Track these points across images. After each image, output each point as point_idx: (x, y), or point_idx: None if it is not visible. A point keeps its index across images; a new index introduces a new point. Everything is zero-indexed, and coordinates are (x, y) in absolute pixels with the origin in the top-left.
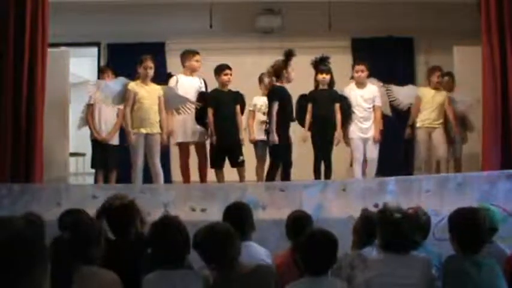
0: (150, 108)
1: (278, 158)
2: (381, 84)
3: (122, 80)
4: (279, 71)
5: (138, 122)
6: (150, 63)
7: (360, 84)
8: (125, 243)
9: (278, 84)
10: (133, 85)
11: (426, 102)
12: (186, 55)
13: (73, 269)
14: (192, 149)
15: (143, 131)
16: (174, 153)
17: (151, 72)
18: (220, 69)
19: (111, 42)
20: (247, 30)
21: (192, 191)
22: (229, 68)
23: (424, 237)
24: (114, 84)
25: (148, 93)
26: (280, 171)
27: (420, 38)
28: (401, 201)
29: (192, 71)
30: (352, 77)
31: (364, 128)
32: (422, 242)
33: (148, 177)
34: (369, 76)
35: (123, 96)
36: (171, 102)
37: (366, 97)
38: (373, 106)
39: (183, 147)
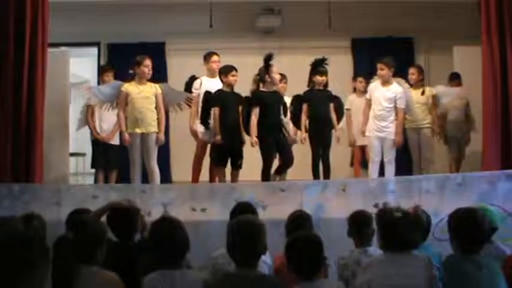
0: (144, 108)
1: (265, 158)
2: (408, 86)
3: (114, 83)
4: (262, 76)
5: (133, 122)
6: (149, 62)
7: (384, 83)
8: (127, 245)
9: (263, 89)
10: (126, 86)
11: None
12: (206, 57)
13: (75, 269)
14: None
15: (138, 130)
16: (174, 153)
17: (150, 71)
18: (227, 70)
19: (111, 42)
20: (247, 30)
21: (192, 191)
22: (236, 70)
23: (424, 236)
24: (106, 88)
25: (142, 92)
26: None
27: (420, 38)
28: (401, 201)
29: (212, 73)
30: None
31: (380, 127)
32: (423, 241)
33: (146, 177)
34: (394, 75)
35: (117, 98)
36: (171, 99)
37: (386, 96)
38: (395, 107)
39: (204, 145)
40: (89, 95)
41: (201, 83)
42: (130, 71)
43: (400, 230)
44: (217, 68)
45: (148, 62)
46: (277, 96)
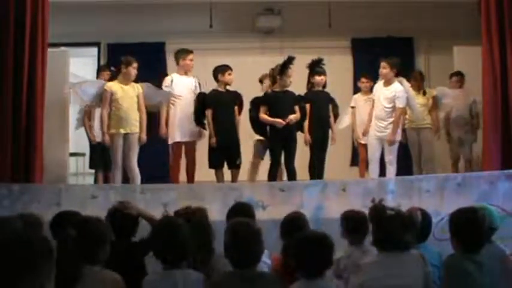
0: (129, 108)
1: (273, 158)
2: (409, 84)
3: (98, 81)
4: (273, 75)
5: (117, 122)
6: (136, 64)
7: (386, 82)
8: (128, 245)
9: (275, 89)
10: (110, 85)
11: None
12: (180, 54)
13: (77, 269)
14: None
15: (122, 131)
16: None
17: (136, 73)
18: (224, 69)
19: (111, 42)
20: (247, 30)
21: (192, 191)
22: (231, 69)
23: (419, 238)
24: (90, 88)
25: (127, 92)
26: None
27: (420, 38)
28: (401, 201)
29: (185, 71)
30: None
31: (380, 127)
32: (418, 243)
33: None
34: (397, 75)
35: (101, 98)
36: (152, 98)
37: (386, 95)
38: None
39: (177, 147)
40: (72, 95)
41: (172, 80)
42: (112, 68)
43: (390, 228)
44: (191, 66)
45: (135, 64)
46: (288, 97)
